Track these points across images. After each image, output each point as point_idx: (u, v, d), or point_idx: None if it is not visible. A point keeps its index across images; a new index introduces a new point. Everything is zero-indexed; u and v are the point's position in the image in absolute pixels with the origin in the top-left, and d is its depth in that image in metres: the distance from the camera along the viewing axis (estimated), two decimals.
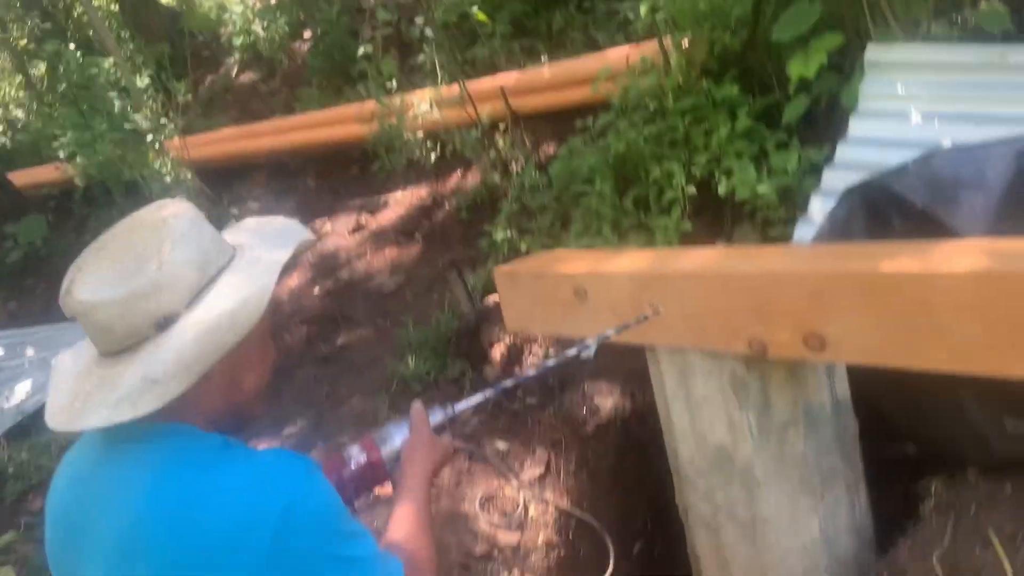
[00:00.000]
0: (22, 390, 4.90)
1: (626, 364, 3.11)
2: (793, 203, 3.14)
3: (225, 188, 6.35)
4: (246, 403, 1.24)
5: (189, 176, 5.42)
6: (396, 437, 1.43)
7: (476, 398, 1.66)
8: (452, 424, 1.59)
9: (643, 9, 3.48)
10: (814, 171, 3.13)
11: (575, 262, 2.49)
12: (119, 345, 1.13)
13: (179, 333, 1.11)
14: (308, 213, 5.78)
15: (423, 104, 4.64)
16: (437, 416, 1.51)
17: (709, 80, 3.38)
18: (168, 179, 5.21)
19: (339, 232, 5.37)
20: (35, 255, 7.07)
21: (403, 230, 4.96)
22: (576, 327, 2.47)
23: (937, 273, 1.64)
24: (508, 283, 2.63)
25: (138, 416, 1.07)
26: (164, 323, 1.11)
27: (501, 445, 2.96)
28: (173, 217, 1.17)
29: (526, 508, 2.73)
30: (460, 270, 3.35)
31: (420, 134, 4.67)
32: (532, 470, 2.85)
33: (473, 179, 4.82)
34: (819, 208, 2.84)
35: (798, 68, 2.91)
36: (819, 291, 1.83)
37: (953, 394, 2.09)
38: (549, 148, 4.65)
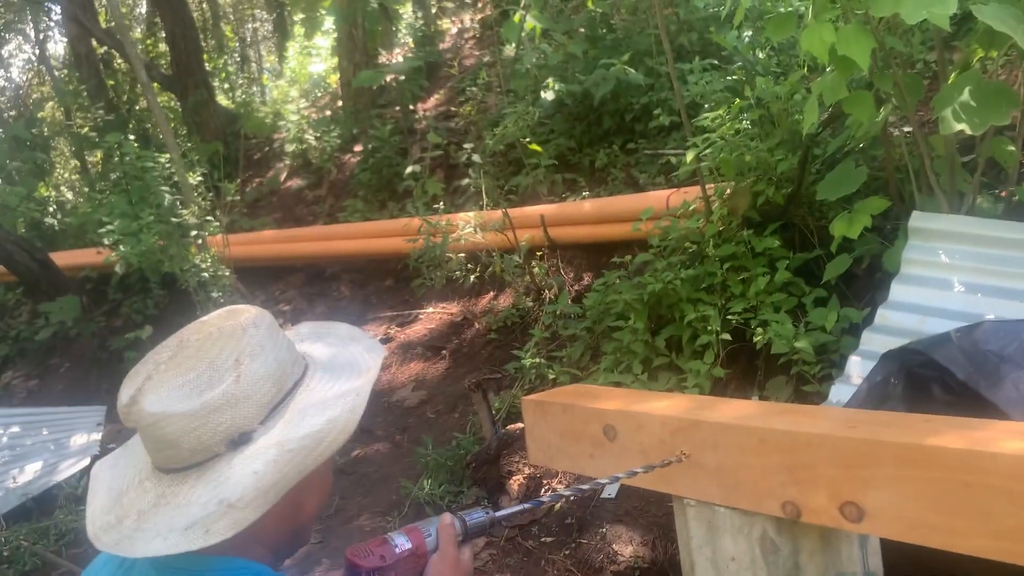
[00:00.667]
0: (31, 470, 4.84)
1: (650, 511, 3.01)
2: (830, 360, 3.10)
3: (260, 287, 6.44)
4: (304, 525, 1.18)
5: (227, 273, 5.50)
6: (436, 536, 1.38)
7: (515, 508, 1.62)
8: (486, 533, 1.53)
9: (689, 156, 3.56)
10: (852, 331, 3.11)
11: (607, 399, 2.45)
12: (183, 462, 1.04)
13: (257, 454, 1.03)
14: (339, 319, 5.78)
15: (467, 226, 4.73)
16: (476, 517, 1.45)
17: (750, 231, 3.42)
18: (206, 275, 5.29)
19: None
20: (64, 335, 7.14)
21: (431, 346, 4.96)
22: (602, 467, 2.41)
23: (984, 452, 1.59)
24: (536, 413, 2.59)
25: (209, 544, 0.98)
26: (238, 441, 1.04)
27: None
28: (253, 326, 1.10)
29: None
30: (485, 392, 3.31)
31: (462, 255, 4.74)
32: None
33: (505, 302, 4.85)
34: (857, 369, 2.81)
35: (842, 228, 2.93)
36: (859, 459, 1.77)
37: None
38: (584, 279, 4.68)
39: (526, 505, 1.71)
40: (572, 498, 1.91)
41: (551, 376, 3.69)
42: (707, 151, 3.62)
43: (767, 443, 1.96)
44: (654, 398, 2.43)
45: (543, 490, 3.31)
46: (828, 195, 3.10)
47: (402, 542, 1.34)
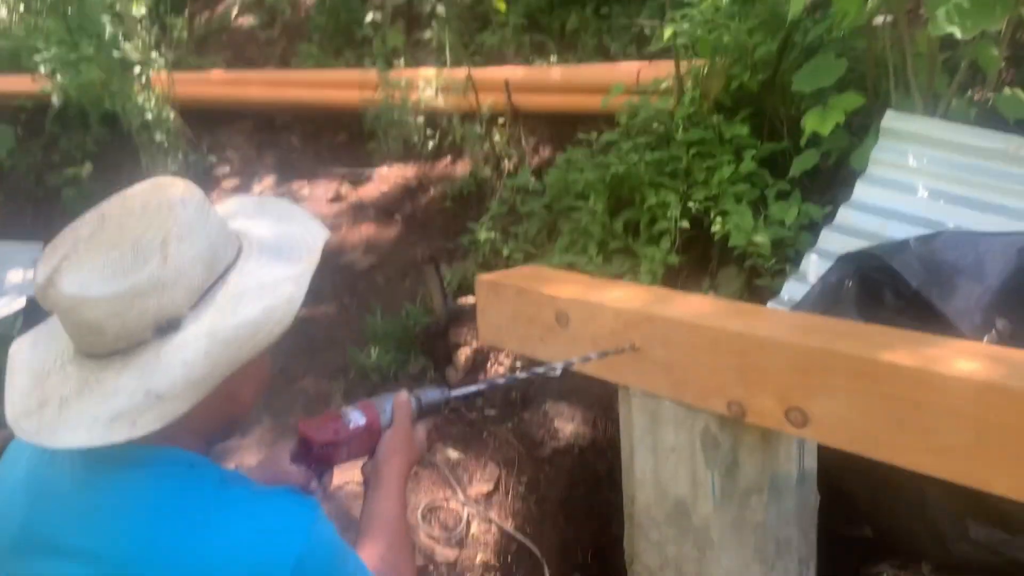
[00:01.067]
0: None
1: (593, 391, 3.05)
2: (785, 256, 3.09)
3: (207, 132, 6.15)
4: (240, 414, 1.13)
5: (172, 116, 5.22)
6: (390, 413, 1.36)
7: (472, 388, 1.61)
8: (441, 412, 1.53)
9: (666, 32, 3.39)
10: (810, 227, 3.09)
11: (562, 285, 2.41)
12: (107, 348, 0.97)
13: (187, 342, 0.97)
14: (289, 172, 5.62)
15: (428, 88, 4.51)
16: (432, 396, 1.43)
17: (720, 116, 3.32)
18: (150, 115, 5.01)
19: (317, 199, 5.23)
20: None
21: (384, 209, 4.84)
22: (552, 352, 2.40)
23: (936, 372, 1.60)
24: (489, 294, 2.55)
25: (135, 437, 0.93)
26: (167, 328, 0.97)
27: (453, 454, 2.88)
28: (181, 204, 1.01)
29: (468, 524, 2.66)
30: (438, 264, 3.25)
31: (420, 119, 4.54)
32: (481, 486, 2.78)
33: (463, 169, 4.72)
34: (812, 268, 2.80)
35: (814, 122, 2.85)
36: (811, 367, 1.78)
37: (919, 488, 2.06)
38: (546, 151, 4.56)
39: (482, 386, 1.70)
40: (526, 379, 1.92)
41: (505, 252, 3.64)
42: (684, 27, 3.46)
43: (719, 343, 1.95)
44: (609, 287, 2.40)
45: (489, 364, 3.32)
46: (804, 86, 3.01)
47: (356, 417, 1.32)
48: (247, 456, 2.87)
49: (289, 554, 0.96)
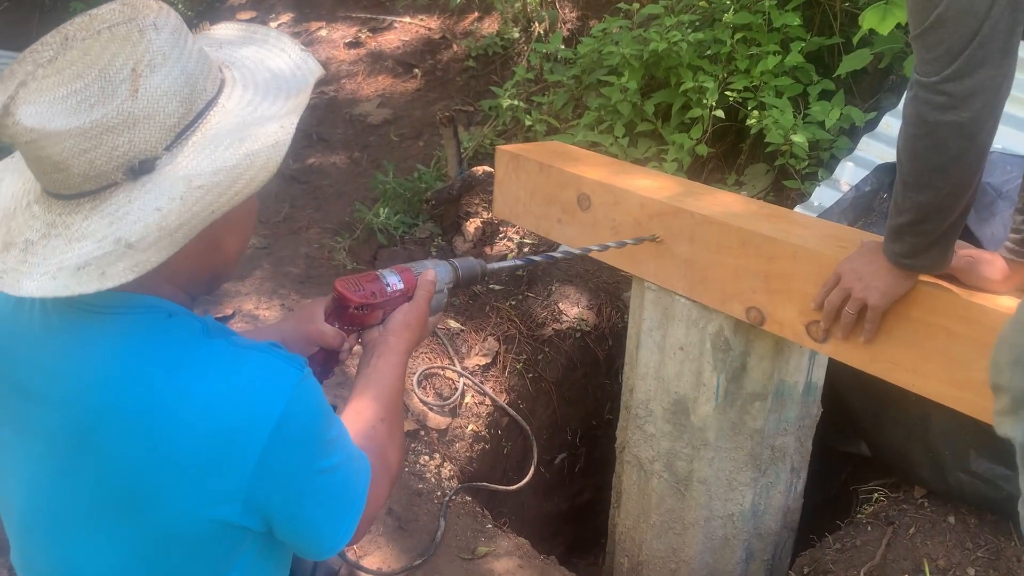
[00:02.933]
0: None
1: (602, 277, 2.98)
2: (819, 159, 2.96)
3: None
4: (223, 267, 1.04)
5: None
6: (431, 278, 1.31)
7: (508, 264, 1.59)
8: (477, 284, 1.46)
9: None
10: (851, 132, 2.95)
11: (587, 165, 2.30)
12: (75, 188, 0.88)
13: (161, 187, 0.87)
14: (307, 10, 5.36)
15: None
16: (471, 267, 1.37)
17: (772, 1, 3.10)
18: None
19: (334, 42, 4.99)
20: None
21: (403, 61, 4.62)
22: (569, 235, 2.31)
23: (976, 304, 1.52)
24: (509, 165, 2.43)
25: (105, 288, 0.85)
26: (139, 169, 0.87)
27: (454, 324, 2.84)
28: (153, 28, 0.89)
29: (463, 395, 2.65)
30: (456, 127, 3.11)
31: None
32: (479, 359, 2.75)
33: (490, 27, 4.48)
34: (847, 175, 2.68)
35: (873, 20, 2.65)
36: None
37: (925, 413, 2.02)
38: (579, 17, 4.31)
39: (518, 261, 1.66)
40: (559, 259, 1.87)
41: (528, 123, 3.48)
42: None
43: (748, 245, 1.86)
44: (637, 174, 2.28)
45: (498, 238, 3.24)
46: None
47: (394, 281, 1.27)
48: (246, 303, 2.82)
49: (269, 414, 0.90)
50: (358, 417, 1.11)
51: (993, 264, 1.55)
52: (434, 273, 1.30)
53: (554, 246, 2.42)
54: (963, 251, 1.58)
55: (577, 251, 1.93)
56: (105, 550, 0.94)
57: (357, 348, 1.28)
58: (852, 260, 1.58)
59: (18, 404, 0.96)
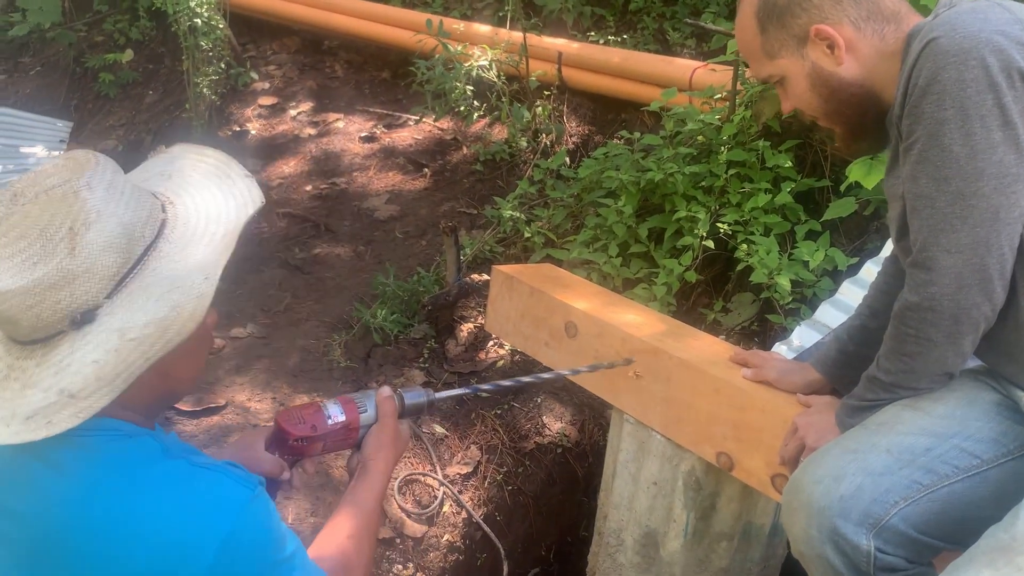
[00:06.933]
0: None
1: (585, 394, 3.06)
2: (802, 295, 3.08)
3: (252, 43, 6.08)
4: (178, 390, 1.13)
5: (221, 26, 5.15)
6: (372, 411, 1.38)
7: (456, 392, 1.66)
8: (423, 415, 1.54)
9: (729, 46, 3.33)
10: (834, 275, 3.07)
11: (577, 294, 2.41)
12: (27, 337, 0.97)
13: (98, 339, 0.95)
14: (327, 101, 5.57)
15: (482, 58, 4.43)
16: (416, 397, 1.45)
17: (766, 142, 3.27)
18: (199, 20, 4.94)
19: (350, 134, 5.19)
20: (40, 36, 6.74)
21: (414, 159, 4.80)
22: (554, 359, 2.41)
23: None
24: (503, 286, 2.55)
25: (53, 434, 0.93)
26: (81, 320, 0.95)
27: (439, 430, 2.91)
28: (87, 188, 0.96)
29: (441, 503, 2.70)
30: (458, 236, 3.24)
31: (469, 88, 4.46)
32: (460, 467, 2.82)
33: (500, 133, 4.67)
34: (826, 317, 2.79)
35: (858, 174, 2.80)
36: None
37: None
38: (585, 133, 4.51)
39: (465, 390, 1.73)
40: (510, 387, 1.97)
41: (526, 234, 3.62)
42: None
43: (721, 394, 1.95)
44: (625, 308, 2.39)
45: (490, 343, 3.33)
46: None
47: (336, 413, 1.33)
48: (238, 394, 2.90)
49: (216, 532, 0.96)
50: (331, 533, 1.20)
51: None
52: (390, 391, 1.38)
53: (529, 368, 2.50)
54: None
55: (548, 375, 2.03)
56: None
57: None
58: (809, 414, 1.70)
59: None
